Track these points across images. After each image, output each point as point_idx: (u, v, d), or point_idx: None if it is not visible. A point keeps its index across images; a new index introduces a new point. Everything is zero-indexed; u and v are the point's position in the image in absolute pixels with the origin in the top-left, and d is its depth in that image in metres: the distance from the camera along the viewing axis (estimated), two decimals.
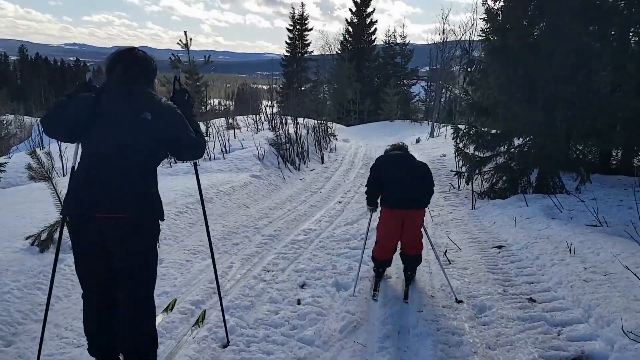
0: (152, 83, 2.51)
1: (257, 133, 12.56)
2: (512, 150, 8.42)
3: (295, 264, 4.61)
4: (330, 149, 14.03)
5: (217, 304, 3.51)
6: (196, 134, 2.46)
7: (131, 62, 2.39)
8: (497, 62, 8.18)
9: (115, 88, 2.33)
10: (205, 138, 2.68)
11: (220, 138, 10.91)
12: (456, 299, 3.76)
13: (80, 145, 2.41)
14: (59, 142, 10.12)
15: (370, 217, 4.40)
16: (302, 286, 4.07)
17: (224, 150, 10.46)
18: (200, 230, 5.42)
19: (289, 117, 13.47)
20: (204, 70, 15.43)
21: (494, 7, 8.54)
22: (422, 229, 4.18)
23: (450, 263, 4.74)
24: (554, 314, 3.28)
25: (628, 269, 3.17)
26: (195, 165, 2.86)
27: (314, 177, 10.41)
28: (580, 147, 8.03)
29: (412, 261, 4.13)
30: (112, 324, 2.45)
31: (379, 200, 4.17)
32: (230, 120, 14.61)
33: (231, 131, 13.22)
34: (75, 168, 2.41)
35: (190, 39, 13.71)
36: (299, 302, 3.71)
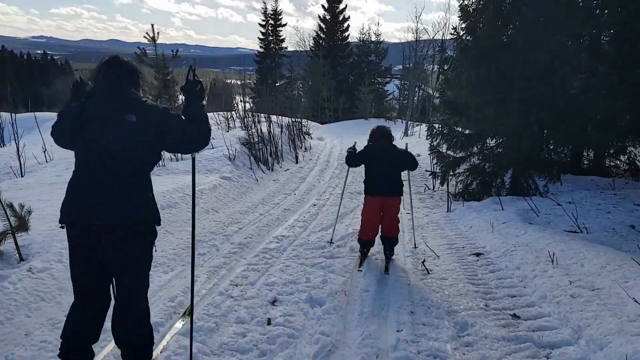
0: (138, 84, 2.52)
1: (228, 132, 12.11)
2: (485, 151, 8.31)
3: (266, 277, 4.29)
4: (305, 148, 13.75)
5: (176, 325, 3.20)
6: (199, 124, 2.39)
7: (112, 67, 2.43)
8: (469, 62, 8.04)
9: (99, 93, 2.38)
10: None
11: None
12: (415, 245, 5.28)
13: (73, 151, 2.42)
14: (17, 141, 9.62)
15: (348, 170, 5.54)
16: (273, 302, 3.77)
17: None
18: (163, 238, 5.04)
19: (262, 115, 13.08)
20: (174, 64, 14.94)
21: (468, 4, 8.39)
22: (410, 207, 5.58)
23: (428, 273, 4.53)
24: (541, 334, 3.06)
25: (630, 296, 2.96)
26: (193, 159, 2.72)
27: (288, 178, 10.10)
28: (552, 147, 7.97)
29: (390, 242, 4.90)
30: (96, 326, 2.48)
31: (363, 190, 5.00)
32: None
33: None
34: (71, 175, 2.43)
35: (158, 33, 13.21)
36: (269, 322, 3.40)
